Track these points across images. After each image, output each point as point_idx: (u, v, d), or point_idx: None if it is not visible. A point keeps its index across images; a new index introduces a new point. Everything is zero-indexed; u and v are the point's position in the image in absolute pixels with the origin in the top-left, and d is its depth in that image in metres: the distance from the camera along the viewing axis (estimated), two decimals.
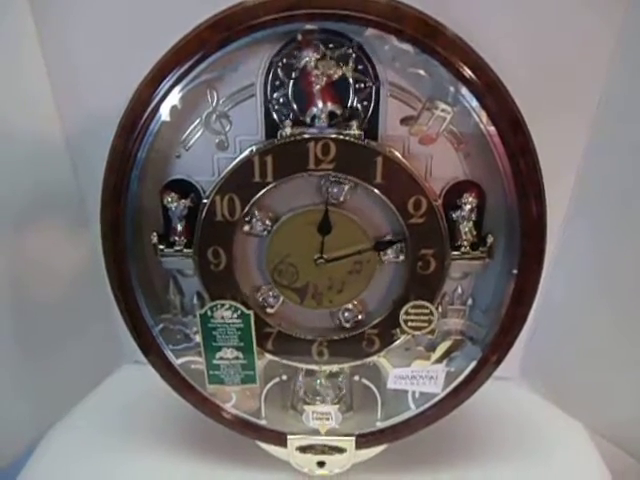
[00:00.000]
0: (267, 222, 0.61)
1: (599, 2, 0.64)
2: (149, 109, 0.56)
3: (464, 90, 0.54)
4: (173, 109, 0.57)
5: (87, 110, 0.73)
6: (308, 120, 0.57)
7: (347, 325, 0.67)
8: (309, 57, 0.54)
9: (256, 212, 0.60)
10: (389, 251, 0.62)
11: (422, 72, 0.55)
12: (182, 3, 0.58)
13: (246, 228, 0.61)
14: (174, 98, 0.56)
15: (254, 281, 0.65)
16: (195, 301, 0.67)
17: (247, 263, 0.64)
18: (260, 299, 0.66)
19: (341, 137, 0.56)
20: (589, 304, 0.80)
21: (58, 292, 0.82)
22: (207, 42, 0.52)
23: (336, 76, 0.55)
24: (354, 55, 0.54)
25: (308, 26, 0.52)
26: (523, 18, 0.66)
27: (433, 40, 0.51)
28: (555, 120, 0.66)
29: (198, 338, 0.65)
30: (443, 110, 0.57)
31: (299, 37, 0.54)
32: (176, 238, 0.63)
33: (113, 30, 0.65)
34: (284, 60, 0.55)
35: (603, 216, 0.75)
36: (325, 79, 0.55)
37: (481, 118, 0.55)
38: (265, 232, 0.61)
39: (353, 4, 0.49)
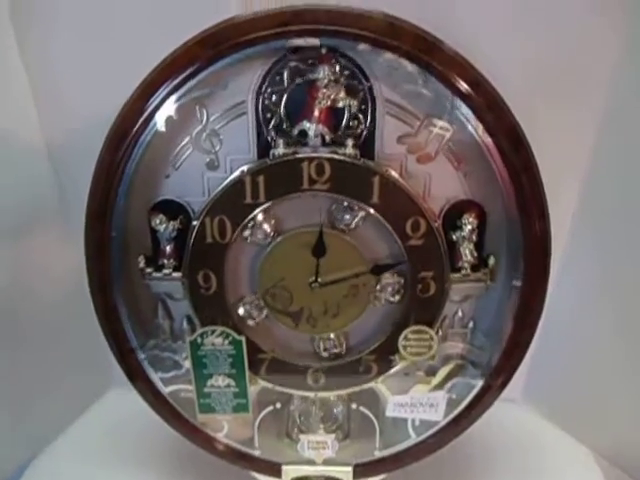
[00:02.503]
0: (259, 246, 0.59)
1: (602, 14, 0.62)
2: (135, 128, 0.53)
3: (463, 107, 0.52)
4: (161, 127, 0.54)
5: (71, 125, 0.70)
6: (296, 132, 0.54)
7: (325, 355, 0.64)
8: (324, 75, 0.52)
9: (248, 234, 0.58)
10: (387, 277, 0.59)
11: (419, 89, 0.53)
12: (169, 15, 0.56)
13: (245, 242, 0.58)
14: (162, 116, 0.54)
15: (241, 299, 0.63)
16: (185, 325, 0.64)
17: (239, 287, 0.61)
18: (243, 311, 0.62)
19: (336, 157, 0.54)
20: (594, 324, 0.78)
21: (42, 313, 0.79)
22: (196, 58, 0.49)
23: (341, 104, 0.53)
24: (350, 72, 0.52)
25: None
26: (522, 31, 0.64)
27: (430, 56, 0.49)
28: (557, 134, 0.64)
29: (188, 364, 0.63)
30: (441, 127, 0.55)
31: (323, 51, 0.51)
32: (164, 261, 0.61)
33: (96, 43, 0.63)
34: (277, 76, 0.53)
35: (607, 233, 0.73)
36: (329, 101, 0.53)
37: (481, 135, 0.53)
38: (258, 255, 0.59)
39: (347, 20, 0.47)
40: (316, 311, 0.61)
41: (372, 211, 0.56)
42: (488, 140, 0.53)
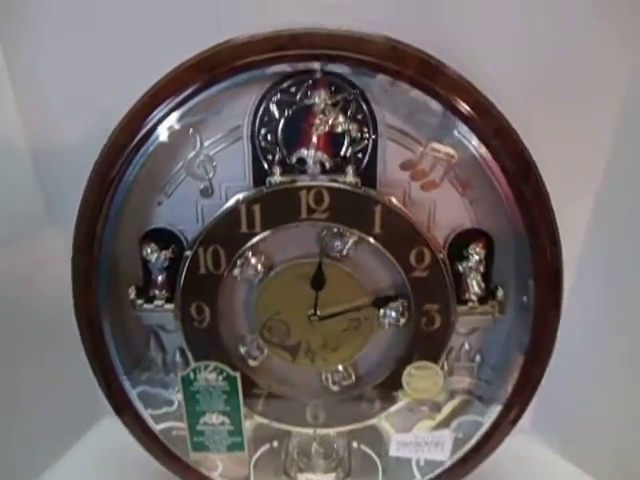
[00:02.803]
0: (255, 277, 0.56)
1: (613, 25, 0.59)
2: (125, 154, 0.51)
3: (468, 132, 0.50)
4: (153, 153, 0.52)
5: (60, 148, 0.67)
6: (294, 160, 0.52)
7: (335, 389, 0.61)
8: (320, 100, 0.50)
9: (243, 265, 0.55)
10: (390, 310, 0.56)
11: (423, 114, 0.50)
12: (160, 35, 0.53)
13: (236, 272, 0.56)
14: (154, 141, 0.51)
15: (241, 338, 0.60)
16: (178, 358, 0.61)
17: (233, 319, 0.59)
18: (244, 351, 0.60)
19: (335, 185, 0.51)
20: (605, 353, 0.74)
21: (32, 338, 0.76)
22: (189, 83, 0.47)
23: (340, 129, 0.51)
24: (350, 97, 0.50)
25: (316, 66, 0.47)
26: (527, 47, 0.61)
27: (434, 80, 0.47)
28: (567, 155, 0.61)
29: (180, 400, 0.59)
30: (446, 153, 0.52)
31: (317, 75, 0.49)
32: (156, 292, 0.58)
33: (85, 63, 0.60)
34: (274, 100, 0.51)
35: (619, 260, 0.70)
36: (327, 127, 0.50)
37: (487, 162, 0.51)
38: (253, 287, 0.56)
39: (347, 43, 0.44)
40: (315, 345, 0.58)
41: (373, 241, 0.53)
42: (495, 166, 0.50)
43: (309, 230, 0.54)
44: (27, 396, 0.76)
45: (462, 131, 0.50)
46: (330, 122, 0.50)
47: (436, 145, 0.52)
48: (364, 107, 0.51)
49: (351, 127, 0.51)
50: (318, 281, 0.54)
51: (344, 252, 0.54)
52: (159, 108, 0.48)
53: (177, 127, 0.51)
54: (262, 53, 0.44)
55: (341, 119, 0.50)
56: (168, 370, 0.62)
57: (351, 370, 0.61)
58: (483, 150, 0.50)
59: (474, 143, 0.50)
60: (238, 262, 0.55)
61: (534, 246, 0.52)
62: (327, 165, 0.52)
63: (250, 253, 0.55)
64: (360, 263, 0.55)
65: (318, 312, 0.55)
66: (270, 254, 0.55)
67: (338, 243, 0.54)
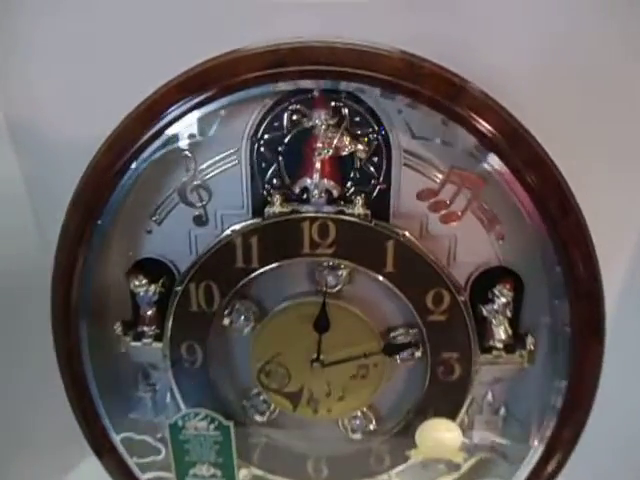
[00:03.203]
0: (252, 316, 0.50)
1: None
2: (112, 176, 0.46)
3: (496, 160, 0.43)
4: (141, 177, 0.47)
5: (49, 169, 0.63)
6: (297, 190, 0.46)
7: (355, 437, 0.54)
8: (320, 121, 0.44)
9: (238, 303, 0.50)
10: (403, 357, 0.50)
11: (444, 138, 0.44)
12: (152, 50, 0.48)
13: (226, 322, 0.50)
14: (141, 165, 0.46)
15: (237, 383, 0.54)
16: (168, 399, 0.56)
17: (228, 361, 0.53)
18: (248, 405, 0.54)
19: (342, 217, 0.45)
20: None
21: (11, 374, 0.71)
22: (177, 103, 0.42)
23: (344, 151, 0.45)
24: (359, 119, 0.44)
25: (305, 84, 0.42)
26: (568, 65, 0.54)
27: (456, 101, 0.41)
28: (611, 189, 0.54)
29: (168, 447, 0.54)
30: (471, 183, 0.46)
31: (315, 94, 0.43)
32: (145, 328, 0.53)
33: (76, 79, 0.56)
34: (274, 122, 0.45)
35: None
36: (331, 150, 0.45)
37: (518, 194, 0.44)
38: (249, 328, 0.50)
39: (356, 59, 0.39)
40: (318, 392, 0.52)
41: (384, 280, 0.47)
42: (527, 199, 0.44)
43: (312, 267, 0.48)
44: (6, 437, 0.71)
45: (489, 159, 0.43)
46: (334, 144, 0.44)
47: (459, 173, 0.46)
48: (375, 128, 0.45)
49: (359, 150, 0.45)
50: (322, 323, 0.48)
51: (338, 287, 0.49)
52: (146, 129, 0.43)
53: (168, 149, 0.46)
54: (257, 70, 0.39)
55: (346, 141, 0.44)
56: (158, 411, 0.57)
57: (371, 415, 0.54)
58: (514, 180, 0.43)
59: (503, 172, 0.44)
60: (233, 299, 0.50)
61: (572, 289, 0.45)
62: (335, 193, 0.46)
63: (247, 290, 0.49)
64: (370, 303, 0.49)
65: (322, 357, 0.49)
66: (269, 291, 0.50)
67: (331, 278, 0.48)
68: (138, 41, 0.47)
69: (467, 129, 0.41)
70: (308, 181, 0.45)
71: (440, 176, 0.46)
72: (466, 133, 0.42)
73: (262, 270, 0.47)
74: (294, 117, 0.44)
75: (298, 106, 0.43)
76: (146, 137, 0.43)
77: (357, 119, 0.44)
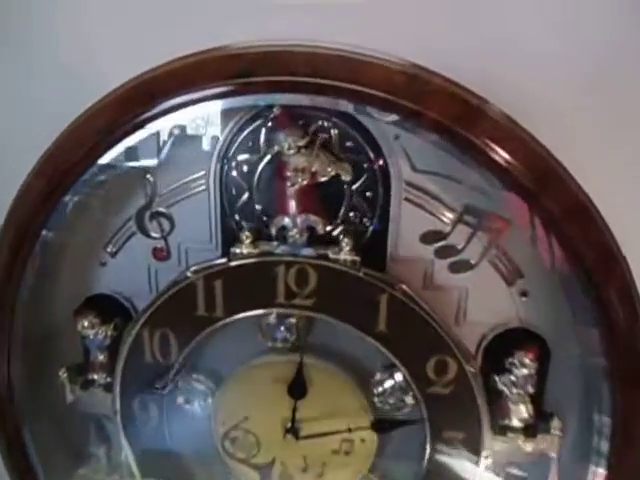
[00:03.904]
0: (210, 380, 0.43)
1: None
2: (46, 201, 0.38)
3: (521, 202, 0.34)
4: (88, 203, 0.40)
5: None
6: (274, 232, 0.38)
7: None
8: (286, 142, 0.35)
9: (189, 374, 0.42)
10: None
11: (456, 170, 0.35)
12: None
13: (180, 400, 0.43)
14: (90, 185, 0.39)
15: (198, 448, 0.45)
16: (123, 457, 0.48)
17: (187, 423, 0.44)
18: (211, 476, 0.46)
19: (325, 263, 0.37)
20: None
21: None
22: (125, 116, 0.34)
23: (324, 176, 0.36)
24: (351, 143, 0.36)
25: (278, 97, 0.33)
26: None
27: (469, 127, 0.31)
28: None
29: None
30: (490, 224, 0.37)
31: (275, 110, 0.35)
32: (94, 376, 0.45)
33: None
34: (249, 140, 0.37)
35: None
36: (307, 177, 0.36)
37: (550, 244, 0.35)
38: (208, 392, 0.42)
39: (342, 68, 0.30)
40: (293, 467, 0.43)
41: (376, 342, 0.38)
42: (559, 252, 0.34)
43: (288, 318, 0.40)
44: None
45: (509, 198, 0.34)
46: (308, 170, 0.35)
47: (475, 211, 0.37)
48: (370, 155, 0.36)
49: (343, 171, 0.36)
50: (298, 388, 0.39)
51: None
52: (86, 145, 0.35)
53: (121, 170, 0.38)
54: (217, 79, 0.30)
55: (322, 163, 0.35)
56: (112, 469, 0.49)
57: None
58: (543, 226, 0.34)
59: (532, 216, 0.34)
60: (193, 352, 0.41)
61: (611, 350, 0.36)
62: (319, 229, 0.38)
63: (209, 341, 0.41)
64: (358, 367, 0.40)
65: (297, 426, 0.41)
66: (236, 345, 0.41)
67: (285, 334, 0.40)
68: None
69: (484, 163, 0.32)
70: (286, 220, 0.37)
71: (450, 215, 0.37)
72: (482, 164, 0.33)
73: (227, 320, 0.39)
74: (257, 141, 0.36)
75: (257, 128, 0.35)
76: (85, 154, 0.35)
77: (348, 143, 0.36)
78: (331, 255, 0.37)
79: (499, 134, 0.31)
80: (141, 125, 0.33)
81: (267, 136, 0.36)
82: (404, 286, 0.37)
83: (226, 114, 0.36)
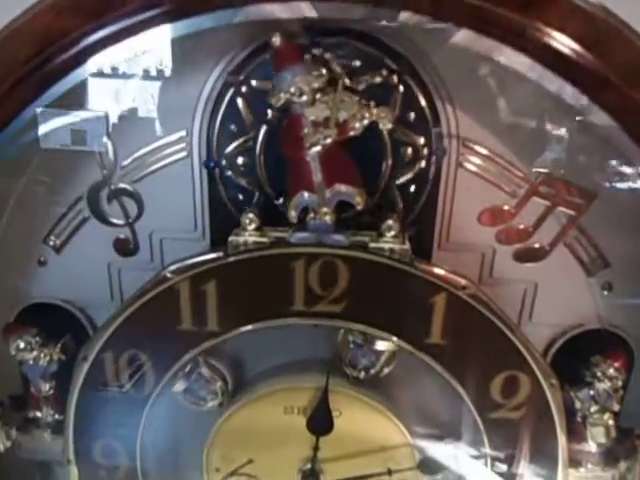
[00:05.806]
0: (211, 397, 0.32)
1: None
2: None
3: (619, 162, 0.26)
4: (26, 169, 0.30)
5: None
6: (293, 215, 0.27)
7: None
8: (294, 86, 0.24)
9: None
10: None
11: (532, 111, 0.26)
12: None
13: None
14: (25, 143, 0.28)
15: None
16: None
17: (168, 472, 0.34)
18: None
19: (363, 255, 0.27)
20: None
21: None
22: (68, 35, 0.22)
23: (355, 128, 0.25)
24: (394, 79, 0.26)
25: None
26: None
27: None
28: None
29: None
30: (570, 197, 0.28)
31: (275, 40, 0.24)
32: (36, 413, 0.34)
33: None
34: (238, 90, 0.27)
35: None
36: (332, 133, 0.25)
37: None
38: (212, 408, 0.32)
39: None
40: None
41: (427, 358, 0.28)
42: None
43: (307, 331, 0.29)
44: None
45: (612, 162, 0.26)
46: (340, 120, 0.24)
47: (551, 182, 0.28)
48: (416, 94, 0.26)
49: (382, 117, 0.25)
50: (321, 421, 0.30)
51: (371, 372, 0.29)
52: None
53: (63, 123, 0.27)
54: None
55: (350, 109, 0.25)
56: None
57: None
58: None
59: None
60: (179, 377, 0.31)
61: None
62: (357, 204, 0.27)
63: (201, 365, 0.30)
64: (399, 393, 0.31)
65: (319, 471, 0.31)
66: (236, 368, 0.31)
67: (364, 360, 0.29)
68: None
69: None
70: (305, 197, 0.26)
71: (522, 185, 0.28)
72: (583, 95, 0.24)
73: (223, 337, 0.29)
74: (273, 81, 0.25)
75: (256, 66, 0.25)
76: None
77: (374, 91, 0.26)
78: (370, 241, 0.27)
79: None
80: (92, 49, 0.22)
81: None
82: (464, 281, 0.27)
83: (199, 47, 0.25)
